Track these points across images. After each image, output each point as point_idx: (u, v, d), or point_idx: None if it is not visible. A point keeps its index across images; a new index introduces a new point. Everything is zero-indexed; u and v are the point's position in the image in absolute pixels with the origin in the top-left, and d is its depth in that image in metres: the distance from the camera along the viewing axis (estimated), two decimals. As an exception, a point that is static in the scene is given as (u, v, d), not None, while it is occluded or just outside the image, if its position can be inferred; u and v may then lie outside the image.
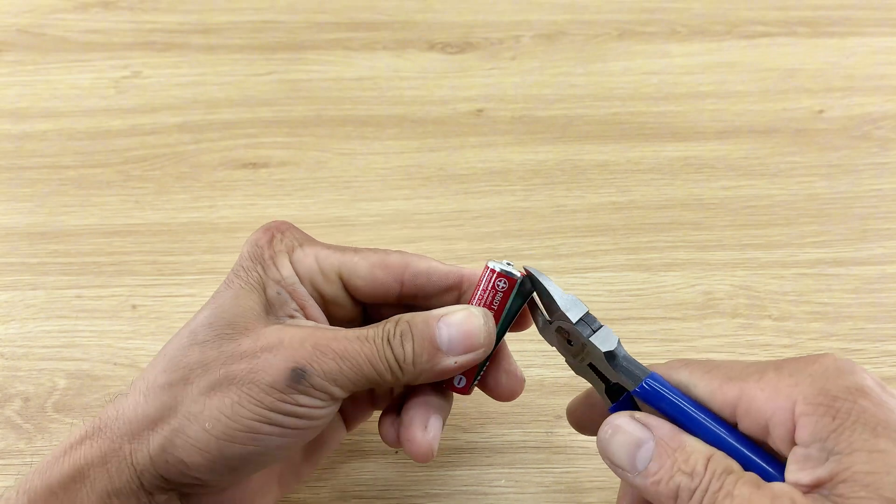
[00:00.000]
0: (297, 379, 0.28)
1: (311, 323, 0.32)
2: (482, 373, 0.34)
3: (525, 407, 0.41)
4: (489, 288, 0.32)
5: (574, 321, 0.31)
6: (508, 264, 0.32)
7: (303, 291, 0.32)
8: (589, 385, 0.32)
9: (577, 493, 0.38)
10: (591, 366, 0.31)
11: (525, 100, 0.56)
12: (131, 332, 0.44)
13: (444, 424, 0.33)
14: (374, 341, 0.30)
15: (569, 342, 0.31)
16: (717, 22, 0.60)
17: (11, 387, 0.42)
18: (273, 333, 0.29)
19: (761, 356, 0.43)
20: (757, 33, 0.59)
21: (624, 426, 0.28)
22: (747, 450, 0.27)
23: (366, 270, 0.33)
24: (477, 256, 0.47)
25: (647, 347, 0.43)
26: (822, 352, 0.42)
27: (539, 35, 0.60)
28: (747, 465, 0.27)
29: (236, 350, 0.29)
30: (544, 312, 0.32)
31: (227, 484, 0.31)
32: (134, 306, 0.45)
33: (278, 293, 0.32)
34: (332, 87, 0.56)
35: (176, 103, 0.55)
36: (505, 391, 0.34)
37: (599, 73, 0.57)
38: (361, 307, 0.35)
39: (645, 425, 0.28)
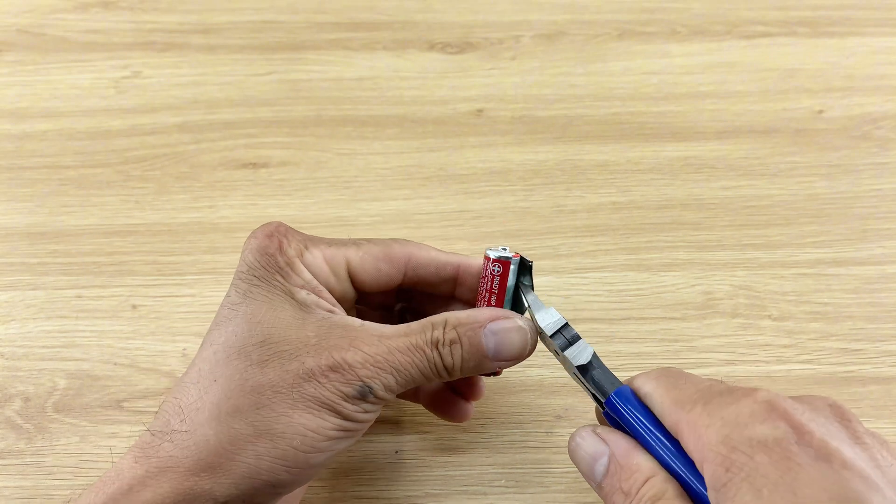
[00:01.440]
0: (365, 395, 0.30)
1: (356, 322, 0.32)
2: None
3: (525, 407, 0.41)
4: (488, 275, 0.34)
5: (550, 334, 0.32)
6: (504, 249, 0.34)
7: (325, 292, 0.33)
8: None
9: (577, 494, 0.38)
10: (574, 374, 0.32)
11: (525, 100, 0.56)
12: (131, 332, 0.44)
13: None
14: (424, 350, 0.31)
15: (555, 352, 0.33)
16: (717, 22, 0.60)
17: (11, 387, 0.42)
18: (336, 353, 0.30)
19: (761, 356, 0.43)
20: (757, 33, 0.59)
21: (583, 440, 0.30)
22: (692, 473, 0.27)
23: (371, 265, 0.34)
24: (477, 256, 0.47)
25: (647, 347, 0.43)
26: (828, 356, 0.42)
27: (539, 35, 0.60)
28: (691, 488, 0.27)
29: (301, 369, 0.30)
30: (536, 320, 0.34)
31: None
32: (134, 306, 0.45)
33: (307, 294, 0.32)
34: (332, 87, 0.56)
35: (176, 103, 0.55)
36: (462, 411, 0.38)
37: (599, 73, 0.57)
38: (359, 296, 0.36)
39: (604, 440, 0.29)
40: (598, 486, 0.29)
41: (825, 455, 0.23)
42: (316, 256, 0.33)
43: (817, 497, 0.22)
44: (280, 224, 0.34)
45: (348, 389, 0.30)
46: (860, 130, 0.54)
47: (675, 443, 0.28)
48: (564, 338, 0.32)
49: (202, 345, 0.32)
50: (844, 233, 0.48)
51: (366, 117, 0.54)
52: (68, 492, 0.38)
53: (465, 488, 0.38)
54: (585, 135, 0.54)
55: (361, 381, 0.30)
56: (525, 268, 0.34)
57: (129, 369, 0.42)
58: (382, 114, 0.55)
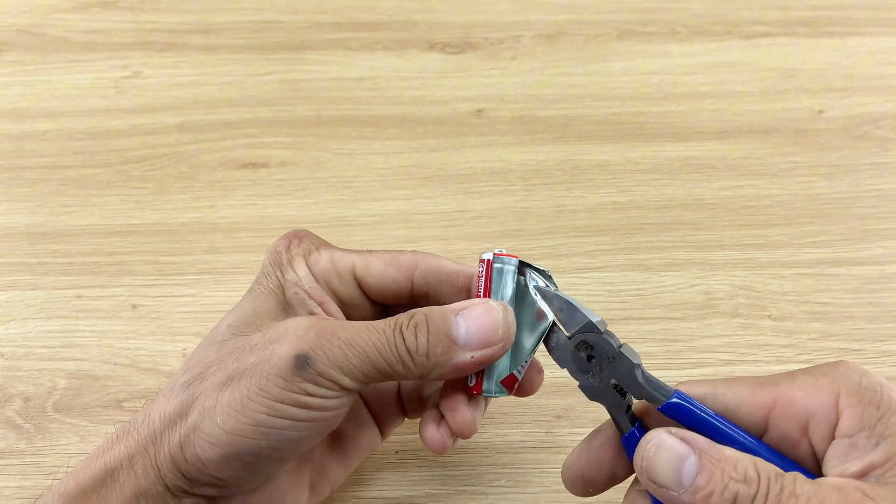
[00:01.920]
0: (302, 366, 0.28)
1: (326, 317, 0.32)
2: (520, 374, 0.32)
3: (525, 407, 0.41)
4: (477, 276, 0.32)
5: (602, 331, 0.30)
6: (499, 251, 0.32)
7: (320, 291, 0.33)
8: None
9: (577, 493, 0.38)
10: (613, 385, 0.30)
11: (525, 100, 0.56)
12: (131, 332, 0.44)
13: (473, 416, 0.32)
14: (384, 331, 0.29)
15: (589, 358, 0.30)
16: (717, 22, 0.60)
17: (11, 387, 0.42)
18: (281, 325, 0.30)
19: (761, 356, 0.43)
20: (757, 33, 0.59)
21: (666, 441, 0.27)
22: (776, 457, 0.27)
23: (378, 269, 0.33)
24: (476, 256, 0.47)
25: (647, 347, 0.43)
26: (828, 356, 0.42)
27: (539, 35, 0.60)
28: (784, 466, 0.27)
29: (247, 344, 0.30)
30: (562, 329, 0.31)
31: (248, 483, 0.31)
32: (134, 306, 0.45)
33: (296, 293, 0.32)
34: (332, 87, 0.56)
35: (176, 103, 0.55)
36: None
37: (599, 73, 0.57)
38: (381, 309, 0.35)
39: (683, 440, 0.27)
40: (689, 490, 0.26)
41: None
42: (322, 256, 0.33)
43: None
44: (302, 230, 0.35)
45: (281, 362, 0.28)
46: (860, 130, 0.54)
47: (748, 433, 0.28)
48: (614, 339, 0.30)
49: None
50: (844, 233, 0.48)
51: (366, 117, 0.54)
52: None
53: (465, 488, 0.38)
54: (585, 135, 0.54)
55: (298, 349, 0.28)
56: (542, 275, 0.32)
57: (129, 369, 0.42)
58: (382, 114, 0.55)
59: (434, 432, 0.33)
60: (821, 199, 0.50)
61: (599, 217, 0.49)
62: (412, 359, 0.29)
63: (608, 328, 0.31)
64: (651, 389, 0.29)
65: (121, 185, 0.51)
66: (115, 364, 0.43)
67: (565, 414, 0.41)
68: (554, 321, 0.31)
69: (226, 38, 0.59)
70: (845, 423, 0.27)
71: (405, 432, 0.40)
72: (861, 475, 0.26)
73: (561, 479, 0.33)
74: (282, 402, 0.28)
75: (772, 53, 0.58)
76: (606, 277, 0.46)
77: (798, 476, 0.26)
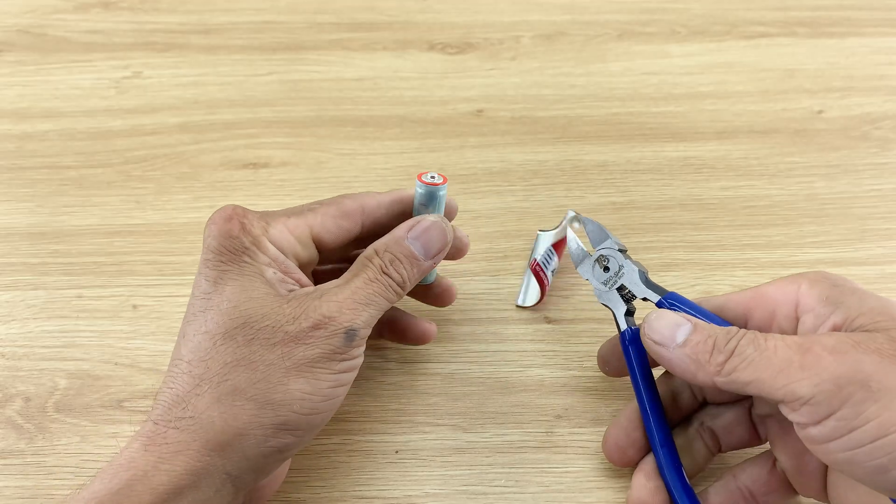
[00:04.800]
0: (352, 338, 0.32)
1: (316, 287, 0.34)
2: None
3: (525, 407, 0.41)
4: (416, 197, 0.38)
5: (618, 248, 0.39)
6: (433, 175, 0.37)
7: (291, 265, 0.35)
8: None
9: (577, 493, 0.38)
10: (620, 289, 0.38)
11: (525, 100, 0.56)
12: (132, 332, 0.44)
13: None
14: (379, 280, 0.34)
15: (605, 268, 0.38)
16: (717, 22, 0.60)
17: (12, 387, 0.42)
18: (313, 311, 0.32)
19: (761, 356, 0.43)
20: (757, 33, 0.59)
21: (667, 313, 0.33)
22: None
23: (333, 223, 0.36)
24: (476, 256, 0.47)
25: (647, 347, 0.43)
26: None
27: (539, 35, 0.60)
28: None
29: (286, 338, 0.31)
30: (584, 248, 0.40)
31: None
32: (134, 306, 0.45)
33: (274, 273, 0.33)
34: (332, 87, 0.56)
35: (176, 103, 0.55)
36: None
37: (599, 73, 0.57)
38: (318, 254, 0.38)
39: (682, 316, 0.33)
40: (677, 346, 0.32)
41: None
42: (280, 230, 0.34)
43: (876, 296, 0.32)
44: (236, 206, 0.35)
45: (335, 340, 0.32)
46: (859, 130, 0.54)
47: (728, 323, 0.34)
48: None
49: (182, 337, 0.32)
50: (844, 233, 0.48)
51: (366, 117, 0.55)
52: (69, 492, 0.38)
53: (465, 488, 0.38)
54: (585, 135, 0.54)
55: (344, 326, 0.32)
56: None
57: (130, 369, 0.43)
58: (382, 114, 0.55)
59: (427, 326, 0.41)
60: (821, 199, 0.50)
61: (599, 217, 0.49)
62: (401, 288, 0.35)
63: (624, 249, 0.39)
64: (651, 290, 0.37)
65: (121, 185, 0.51)
66: (116, 364, 0.43)
67: (565, 414, 0.41)
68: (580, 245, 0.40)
69: (226, 38, 0.59)
70: (804, 300, 0.32)
71: (405, 432, 0.40)
72: None
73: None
74: (342, 372, 0.32)
75: (772, 53, 0.58)
76: (606, 277, 0.46)
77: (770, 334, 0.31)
